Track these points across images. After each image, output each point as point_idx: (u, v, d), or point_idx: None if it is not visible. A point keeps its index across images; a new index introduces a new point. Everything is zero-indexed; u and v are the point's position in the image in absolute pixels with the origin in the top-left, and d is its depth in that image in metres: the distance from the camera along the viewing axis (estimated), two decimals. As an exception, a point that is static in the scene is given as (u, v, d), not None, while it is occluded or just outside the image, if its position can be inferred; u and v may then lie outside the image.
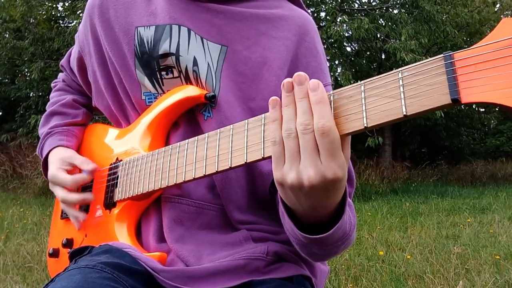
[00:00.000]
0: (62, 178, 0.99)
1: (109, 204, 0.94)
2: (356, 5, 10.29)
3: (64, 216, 1.08)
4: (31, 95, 10.97)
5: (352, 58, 11.75)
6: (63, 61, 1.20)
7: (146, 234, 0.90)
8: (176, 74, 0.90)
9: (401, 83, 0.55)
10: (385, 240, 4.30)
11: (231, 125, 0.73)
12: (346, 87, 0.61)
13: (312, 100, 0.59)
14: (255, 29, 0.92)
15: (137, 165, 0.90)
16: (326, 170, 0.58)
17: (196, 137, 0.80)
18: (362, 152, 10.68)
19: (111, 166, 0.97)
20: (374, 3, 10.35)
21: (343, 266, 3.28)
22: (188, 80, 0.90)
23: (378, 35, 9.58)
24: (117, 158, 0.97)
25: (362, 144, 8.68)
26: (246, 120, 0.71)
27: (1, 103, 12.64)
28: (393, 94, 0.56)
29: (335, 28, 8.03)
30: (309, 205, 0.63)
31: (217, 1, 0.92)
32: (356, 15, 8.97)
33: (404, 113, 0.54)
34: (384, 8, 9.67)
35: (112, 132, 1.05)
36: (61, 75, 1.24)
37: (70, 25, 9.41)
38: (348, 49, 11.53)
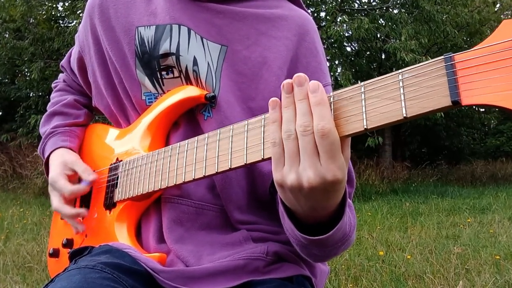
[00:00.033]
0: (62, 185, 0.98)
1: (109, 204, 0.94)
2: (356, 5, 10.29)
3: (64, 216, 1.08)
4: (31, 95, 10.97)
5: (352, 58, 11.75)
6: (63, 62, 1.19)
7: (146, 234, 0.90)
8: (176, 74, 0.90)
9: (401, 84, 0.55)
10: (385, 240, 4.30)
11: (231, 126, 0.73)
12: (346, 89, 0.61)
13: (312, 102, 0.59)
14: (255, 28, 0.92)
15: (137, 165, 0.90)
16: (326, 172, 0.58)
17: (196, 137, 0.80)
18: (362, 152, 10.68)
19: (111, 166, 0.97)
20: (374, 3, 10.35)
21: (343, 266, 3.28)
22: (188, 80, 0.90)
23: (378, 35, 9.58)
24: (117, 159, 0.97)
25: (362, 144, 8.68)
26: (246, 121, 0.71)
27: (1, 103, 12.63)
28: (393, 95, 0.56)
29: (335, 28, 8.03)
30: (308, 206, 0.63)
31: (217, 1, 0.92)
32: (356, 15, 8.96)
33: (404, 115, 0.54)
34: (384, 8, 9.67)
35: (112, 132, 1.05)
36: (61, 76, 1.24)
37: (70, 25, 9.41)
38: (348, 49, 11.54)
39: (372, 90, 0.58)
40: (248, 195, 0.88)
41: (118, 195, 0.92)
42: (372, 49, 10.70)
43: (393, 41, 8.57)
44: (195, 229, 0.87)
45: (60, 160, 1.02)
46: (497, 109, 0.48)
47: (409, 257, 3.56)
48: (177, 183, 0.81)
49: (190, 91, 0.88)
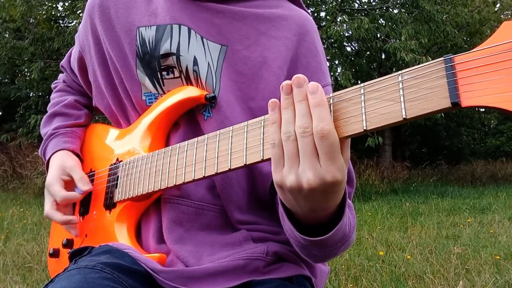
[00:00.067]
0: (56, 190, 0.98)
1: (109, 204, 0.94)
2: (356, 5, 10.29)
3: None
4: (31, 95, 10.97)
5: (352, 58, 11.75)
6: (63, 62, 1.19)
7: (146, 235, 0.90)
8: (177, 74, 0.90)
9: (401, 86, 0.55)
10: (385, 240, 4.30)
11: (231, 127, 0.73)
12: (345, 90, 0.61)
13: (311, 103, 0.59)
14: (255, 28, 0.92)
15: (137, 166, 0.90)
16: (325, 173, 0.58)
17: (196, 138, 0.80)
18: (362, 152, 10.68)
19: (111, 166, 0.97)
20: (374, 3, 10.34)
21: (343, 266, 3.28)
22: (188, 80, 0.90)
23: (378, 35, 9.58)
24: (117, 159, 0.97)
25: (362, 144, 8.68)
26: (246, 122, 0.71)
27: (1, 103, 12.63)
28: (392, 97, 0.56)
29: (335, 28, 8.03)
30: (308, 207, 0.63)
31: (217, 1, 0.92)
32: (356, 15, 8.96)
33: (404, 116, 0.54)
34: (384, 8, 9.67)
35: (113, 132, 1.05)
36: (61, 76, 1.24)
37: (70, 25, 9.40)
38: (348, 49, 11.54)
39: (371, 91, 0.58)
40: (248, 195, 0.88)
41: (118, 196, 0.92)
42: (372, 49, 10.70)
43: (393, 41, 8.57)
44: (195, 230, 0.87)
45: (59, 164, 1.01)
46: (497, 111, 0.48)
47: (409, 257, 3.56)
48: (177, 183, 0.81)
49: (190, 92, 0.88)
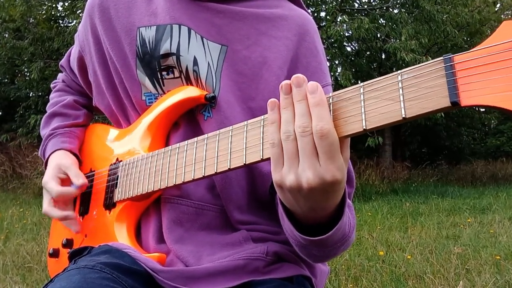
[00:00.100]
0: (51, 187, 0.98)
1: (109, 204, 0.94)
2: (356, 5, 10.29)
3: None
4: (30, 95, 10.96)
5: (352, 58, 11.75)
6: (62, 61, 1.19)
7: (146, 234, 0.90)
8: (177, 74, 0.90)
9: (400, 85, 0.55)
10: (385, 240, 4.30)
11: (230, 127, 0.73)
12: (345, 89, 0.61)
13: (311, 103, 0.59)
14: (255, 28, 0.92)
15: (137, 165, 0.90)
16: (325, 172, 0.58)
17: (196, 138, 0.80)
18: (362, 152, 10.68)
19: (111, 166, 0.97)
20: (374, 3, 10.34)
21: (343, 266, 3.28)
22: (188, 80, 0.90)
23: (378, 35, 9.57)
24: (117, 159, 0.97)
25: (362, 144, 8.68)
26: (246, 122, 0.71)
27: (1, 103, 12.63)
28: (392, 96, 0.56)
29: (335, 28, 8.03)
30: (308, 207, 0.63)
31: (217, 1, 0.92)
32: (356, 15, 8.96)
33: (403, 115, 0.54)
34: (384, 8, 9.66)
35: (112, 132, 1.05)
36: (60, 76, 1.24)
37: (69, 25, 9.40)
38: (348, 49, 11.54)
39: (371, 90, 0.58)
40: (248, 195, 0.88)
41: (117, 195, 0.92)
42: (372, 49, 10.70)
43: (393, 41, 8.57)
44: (195, 229, 0.87)
45: (56, 163, 1.02)
46: (496, 110, 0.48)
47: (409, 257, 3.56)
48: (176, 183, 0.81)
49: (190, 92, 0.88)
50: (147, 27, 0.92)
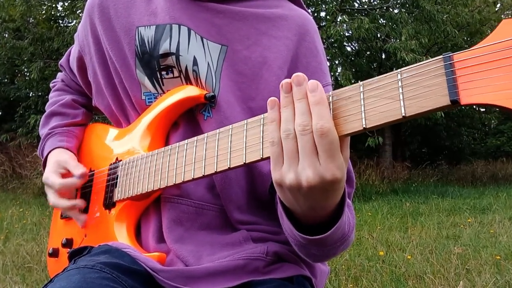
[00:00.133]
0: (52, 181, 0.99)
1: (109, 204, 0.94)
2: (356, 5, 10.29)
3: (64, 216, 1.08)
4: (30, 95, 10.95)
5: (352, 58, 11.76)
6: (62, 61, 1.19)
7: (146, 234, 0.90)
8: (176, 74, 0.90)
9: (400, 84, 0.55)
10: (386, 240, 4.30)
11: (230, 126, 0.73)
12: (345, 88, 0.61)
13: (311, 101, 0.59)
14: (255, 28, 0.92)
15: (136, 165, 0.90)
16: (325, 171, 0.58)
17: (196, 137, 0.80)
18: (362, 152, 10.68)
19: (110, 166, 0.97)
20: (374, 3, 10.34)
21: (343, 267, 3.28)
22: (188, 80, 0.90)
23: (379, 35, 9.57)
24: (116, 158, 0.97)
25: (362, 144, 8.67)
26: (245, 121, 0.71)
27: (1, 103, 12.62)
28: (392, 95, 0.56)
29: (335, 28, 8.03)
30: (307, 206, 0.63)
31: (217, 1, 0.92)
32: (356, 14, 8.96)
33: (403, 114, 0.54)
34: (385, 8, 9.66)
35: (112, 132, 1.05)
36: (60, 75, 1.24)
37: (69, 24, 9.40)
38: (348, 49, 11.54)
39: (371, 89, 0.58)
40: (247, 195, 0.88)
41: (117, 195, 0.92)
42: (372, 49, 10.70)
43: (393, 41, 8.57)
44: (195, 229, 0.87)
45: (54, 160, 1.03)
46: (497, 109, 0.48)
47: (409, 257, 3.56)
48: (176, 182, 0.81)
49: (190, 91, 0.88)
50: (146, 27, 0.92)
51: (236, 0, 0.94)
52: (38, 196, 8.08)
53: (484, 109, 15.21)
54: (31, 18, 10.07)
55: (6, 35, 10.39)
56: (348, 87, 0.60)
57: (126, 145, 0.96)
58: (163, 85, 0.91)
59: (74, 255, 0.87)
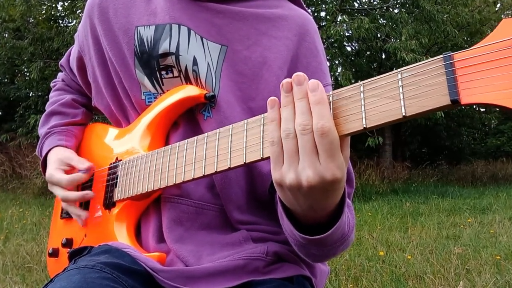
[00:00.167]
0: (58, 178, 0.99)
1: (109, 204, 0.94)
2: (356, 5, 10.28)
3: (64, 216, 1.08)
4: (30, 95, 10.95)
5: (352, 58, 11.75)
6: (62, 61, 1.19)
7: (146, 234, 0.90)
8: (176, 73, 0.90)
9: (400, 83, 0.55)
10: (386, 241, 4.30)
11: (231, 125, 0.73)
12: (345, 88, 0.61)
13: (312, 101, 0.59)
14: (255, 28, 0.92)
15: (136, 165, 0.90)
16: (325, 171, 0.58)
17: (196, 137, 0.80)
18: (362, 152, 10.68)
19: (110, 166, 0.97)
20: (374, 3, 10.34)
21: (343, 267, 3.28)
22: (188, 80, 0.90)
23: (379, 35, 9.57)
24: (116, 158, 0.97)
25: (362, 144, 8.67)
26: (246, 120, 0.71)
27: (1, 103, 12.62)
28: (392, 94, 0.56)
29: (335, 28, 8.02)
30: (307, 206, 0.63)
31: (217, 1, 0.92)
32: (356, 14, 8.96)
33: (404, 114, 0.54)
34: (385, 8, 9.66)
35: (112, 131, 1.05)
36: (60, 75, 1.24)
37: (69, 24, 9.40)
38: (348, 48, 11.54)
39: (371, 89, 0.58)
40: (247, 195, 0.88)
41: (117, 195, 0.92)
42: (372, 49, 10.69)
43: (394, 41, 8.56)
44: (195, 229, 0.87)
45: (56, 158, 1.03)
46: (497, 109, 0.48)
47: (409, 257, 3.56)
48: (176, 182, 0.81)
49: (190, 91, 0.88)
50: (145, 27, 0.92)
51: (236, 0, 0.94)
52: (38, 196, 8.08)
53: (484, 109, 15.21)
54: (31, 18, 10.06)
55: (6, 35, 10.39)
56: (348, 86, 0.60)
57: (126, 145, 0.96)
58: (162, 84, 0.91)
59: (74, 255, 0.87)
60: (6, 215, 5.72)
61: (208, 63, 0.89)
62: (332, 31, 7.97)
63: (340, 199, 0.65)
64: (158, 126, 0.91)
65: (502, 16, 14.28)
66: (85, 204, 1.01)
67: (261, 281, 0.80)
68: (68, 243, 1.02)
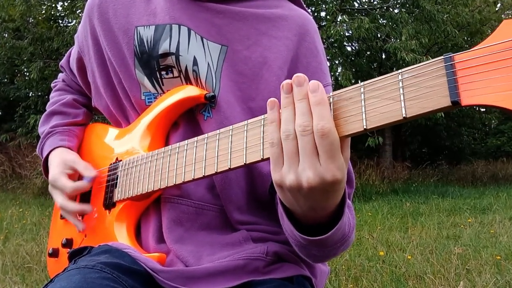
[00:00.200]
0: (63, 183, 0.98)
1: (109, 204, 0.94)
2: (357, 5, 10.28)
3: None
4: (30, 95, 10.94)
5: (353, 58, 11.75)
6: (62, 62, 1.19)
7: (146, 234, 0.90)
8: (176, 73, 0.90)
9: (401, 85, 0.55)
10: (386, 241, 4.30)
11: (231, 126, 0.73)
12: (345, 89, 0.61)
13: (312, 102, 0.59)
14: (255, 28, 0.92)
15: (136, 165, 0.90)
16: (325, 172, 0.58)
17: (196, 137, 0.80)
18: (362, 152, 10.68)
19: (110, 166, 0.97)
20: (374, 3, 10.34)
21: (343, 267, 3.28)
22: (188, 80, 0.90)
23: (379, 35, 9.57)
24: (116, 158, 0.97)
25: (363, 144, 8.67)
26: (246, 121, 0.71)
27: (0, 103, 12.62)
28: (393, 96, 0.56)
29: (335, 28, 8.02)
30: (308, 207, 0.63)
31: (217, 1, 0.92)
32: (356, 14, 8.96)
33: (404, 115, 0.54)
34: (385, 8, 9.66)
35: (112, 132, 1.05)
36: (61, 75, 1.24)
37: (69, 24, 9.39)
38: (349, 48, 11.54)
39: (371, 90, 0.58)
40: (247, 195, 0.88)
41: (117, 195, 0.92)
42: (373, 49, 10.69)
43: (394, 41, 8.56)
44: (195, 229, 0.87)
45: (60, 160, 1.01)
46: (497, 110, 0.48)
47: (409, 257, 3.56)
48: (176, 183, 0.81)
49: (190, 91, 0.88)
50: (145, 27, 0.92)
51: (236, 0, 0.94)
52: (37, 196, 8.08)
53: (484, 109, 15.20)
54: (30, 18, 10.06)
55: (6, 35, 10.39)
56: (348, 87, 0.60)
57: (126, 145, 0.96)
58: (162, 85, 0.91)
59: (74, 255, 0.87)
60: (6, 215, 5.72)
61: (208, 63, 0.89)
62: (332, 31, 7.96)
63: (341, 200, 0.65)
64: (158, 126, 0.91)
65: (503, 16, 14.28)
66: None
67: (261, 281, 0.80)
68: (68, 243, 1.02)
